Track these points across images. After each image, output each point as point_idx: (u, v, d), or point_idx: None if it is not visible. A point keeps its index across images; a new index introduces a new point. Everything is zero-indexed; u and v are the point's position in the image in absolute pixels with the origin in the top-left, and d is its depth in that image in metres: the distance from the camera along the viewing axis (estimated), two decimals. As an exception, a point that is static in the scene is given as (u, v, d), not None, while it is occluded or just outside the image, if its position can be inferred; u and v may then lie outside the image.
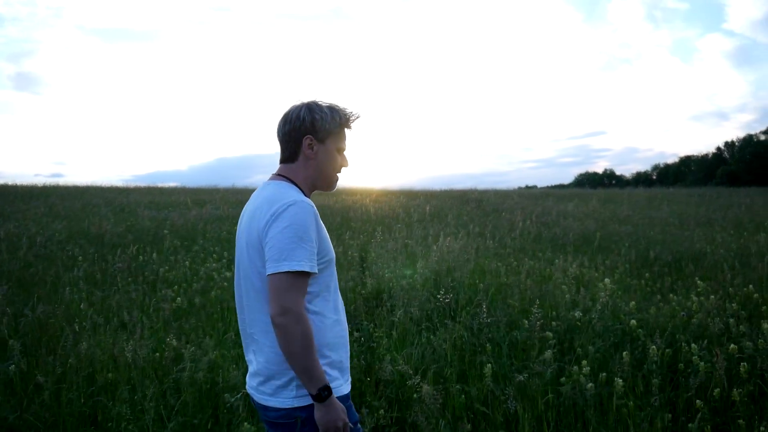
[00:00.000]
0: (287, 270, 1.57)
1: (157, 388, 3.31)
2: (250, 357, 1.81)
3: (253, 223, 1.70)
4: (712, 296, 4.66)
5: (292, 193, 1.70)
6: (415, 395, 3.15)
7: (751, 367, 3.27)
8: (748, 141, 62.36)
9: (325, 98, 1.83)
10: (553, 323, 4.17)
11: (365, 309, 4.88)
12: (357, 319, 4.55)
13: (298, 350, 1.57)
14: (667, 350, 3.61)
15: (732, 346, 3.47)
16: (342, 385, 1.74)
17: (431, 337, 4.12)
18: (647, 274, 6.32)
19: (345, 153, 1.87)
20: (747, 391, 3.09)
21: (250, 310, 1.75)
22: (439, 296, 4.70)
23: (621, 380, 3.10)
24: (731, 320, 4.00)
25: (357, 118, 1.85)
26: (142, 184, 25.10)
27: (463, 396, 3.27)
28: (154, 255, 7.30)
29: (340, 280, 2.32)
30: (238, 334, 4.19)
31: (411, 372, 3.33)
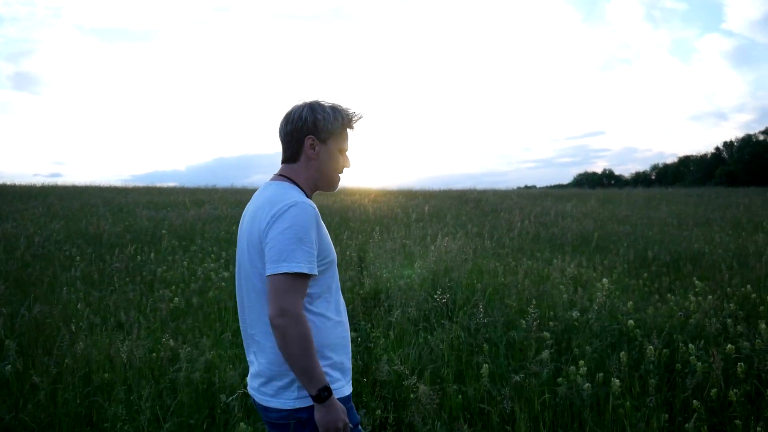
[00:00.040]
0: (286, 271, 1.57)
1: (154, 389, 3.31)
2: (251, 358, 1.80)
3: (254, 224, 1.70)
4: (710, 296, 4.66)
5: (294, 194, 1.69)
6: (411, 395, 3.14)
7: (748, 368, 3.26)
8: (747, 141, 62.43)
9: (327, 98, 1.82)
10: (551, 323, 4.16)
11: (363, 309, 4.88)
12: (355, 319, 4.55)
13: (297, 351, 1.56)
14: (664, 350, 3.61)
15: (729, 346, 3.47)
16: (343, 387, 1.73)
17: (428, 337, 4.12)
18: (645, 274, 6.32)
19: (347, 153, 1.86)
20: (744, 391, 3.09)
21: (251, 311, 1.74)
22: (436, 296, 4.70)
23: (618, 380, 3.10)
24: (729, 320, 4.01)
25: (360, 118, 1.84)
26: (141, 184, 25.14)
27: (460, 396, 3.26)
28: (152, 255, 7.29)
29: (337, 280, 2.31)
30: (234, 335, 4.21)
31: (407, 372, 3.33)
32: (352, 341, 1.90)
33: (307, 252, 1.60)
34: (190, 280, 6.06)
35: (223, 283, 5.79)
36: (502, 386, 3.29)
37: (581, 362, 3.37)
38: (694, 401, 2.99)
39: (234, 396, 3.04)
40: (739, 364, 3.24)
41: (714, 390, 3.07)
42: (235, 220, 10.23)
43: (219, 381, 3.37)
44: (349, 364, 1.79)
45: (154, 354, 3.74)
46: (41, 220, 10.86)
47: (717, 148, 69.31)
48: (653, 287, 5.79)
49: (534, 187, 45.55)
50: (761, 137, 61.42)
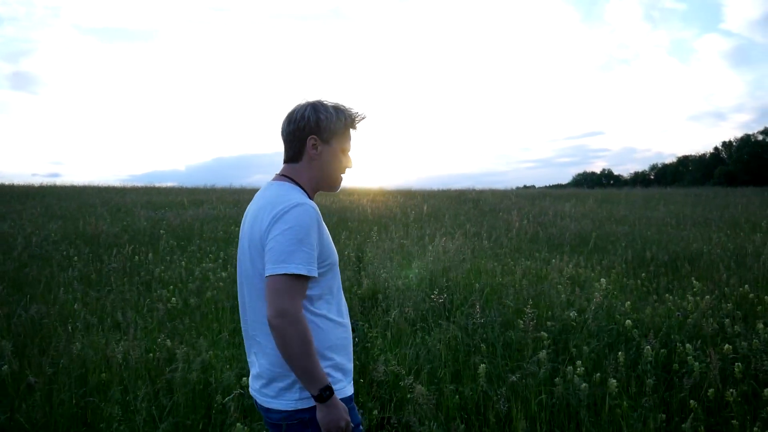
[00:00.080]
0: (284, 272, 1.56)
1: (150, 389, 3.30)
2: (252, 359, 1.79)
3: (256, 225, 1.69)
4: (708, 296, 4.66)
5: (295, 195, 1.69)
6: (408, 396, 3.14)
7: (746, 368, 3.26)
8: (746, 141, 62.51)
9: (329, 98, 1.80)
10: (548, 323, 4.16)
11: (361, 309, 4.87)
12: (352, 319, 4.53)
13: (297, 352, 1.55)
14: (662, 350, 3.61)
15: (727, 346, 3.46)
16: (345, 387, 1.73)
17: (426, 337, 4.11)
18: (643, 274, 6.32)
19: (349, 154, 1.85)
20: (741, 391, 3.08)
21: (253, 311, 1.74)
22: (433, 296, 4.70)
23: (615, 380, 3.09)
24: (726, 320, 4.00)
25: (363, 118, 1.83)
26: (140, 184, 25.12)
27: (456, 396, 3.26)
28: (150, 255, 7.28)
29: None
30: (231, 335, 4.20)
31: (404, 372, 3.32)
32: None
33: (306, 253, 1.59)
34: (187, 280, 6.05)
35: (221, 283, 5.78)
36: (499, 386, 3.28)
37: (578, 362, 3.36)
38: (692, 401, 2.98)
39: (230, 396, 3.03)
40: (736, 364, 3.24)
41: (711, 390, 3.07)
42: (233, 220, 10.22)
43: (216, 381, 3.36)
44: (350, 366, 1.78)
45: (151, 354, 3.73)
46: (39, 220, 10.85)
47: (716, 148, 69.48)
48: (651, 287, 5.79)
49: (533, 187, 45.55)
50: (760, 137, 61.54)
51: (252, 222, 1.72)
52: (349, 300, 5.00)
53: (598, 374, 3.29)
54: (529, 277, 5.87)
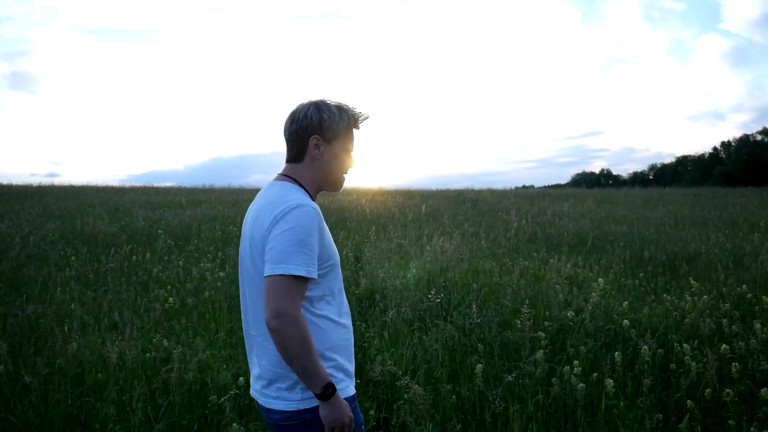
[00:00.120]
0: (283, 273, 1.55)
1: (146, 389, 3.29)
2: (253, 360, 1.78)
3: (257, 225, 1.68)
4: (706, 296, 4.65)
5: (297, 196, 1.67)
6: (405, 395, 3.13)
7: (743, 368, 3.26)
8: (745, 141, 62.57)
9: (333, 97, 1.79)
10: (546, 323, 4.15)
11: (358, 309, 4.87)
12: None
13: (297, 352, 1.54)
14: (659, 350, 3.60)
15: (724, 346, 3.46)
16: (348, 387, 1.72)
17: (423, 337, 4.11)
18: (641, 274, 6.32)
19: (352, 154, 1.83)
20: (738, 391, 3.08)
21: (254, 312, 1.73)
22: (430, 296, 4.69)
23: (612, 380, 3.09)
24: (724, 320, 4.00)
25: (366, 118, 1.81)
26: (138, 183, 25.07)
27: (453, 396, 3.25)
28: (148, 255, 7.27)
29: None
30: (228, 335, 4.19)
31: (400, 372, 3.31)
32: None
33: (306, 255, 1.58)
34: (185, 280, 6.05)
35: (218, 283, 5.78)
36: (495, 386, 3.28)
37: (575, 362, 3.36)
38: (688, 401, 2.98)
39: (226, 396, 3.03)
40: (733, 364, 3.24)
41: (708, 390, 3.07)
42: (232, 220, 10.21)
43: (212, 381, 3.35)
44: (351, 367, 1.78)
45: (147, 354, 3.72)
46: (37, 220, 10.83)
47: (714, 148, 69.51)
48: (649, 287, 5.79)
49: (532, 186, 45.53)
50: (759, 137, 61.61)
51: (253, 222, 1.71)
52: (347, 300, 5.00)
53: (595, 374, 3.29)
54: (527, 277, 5.87)
